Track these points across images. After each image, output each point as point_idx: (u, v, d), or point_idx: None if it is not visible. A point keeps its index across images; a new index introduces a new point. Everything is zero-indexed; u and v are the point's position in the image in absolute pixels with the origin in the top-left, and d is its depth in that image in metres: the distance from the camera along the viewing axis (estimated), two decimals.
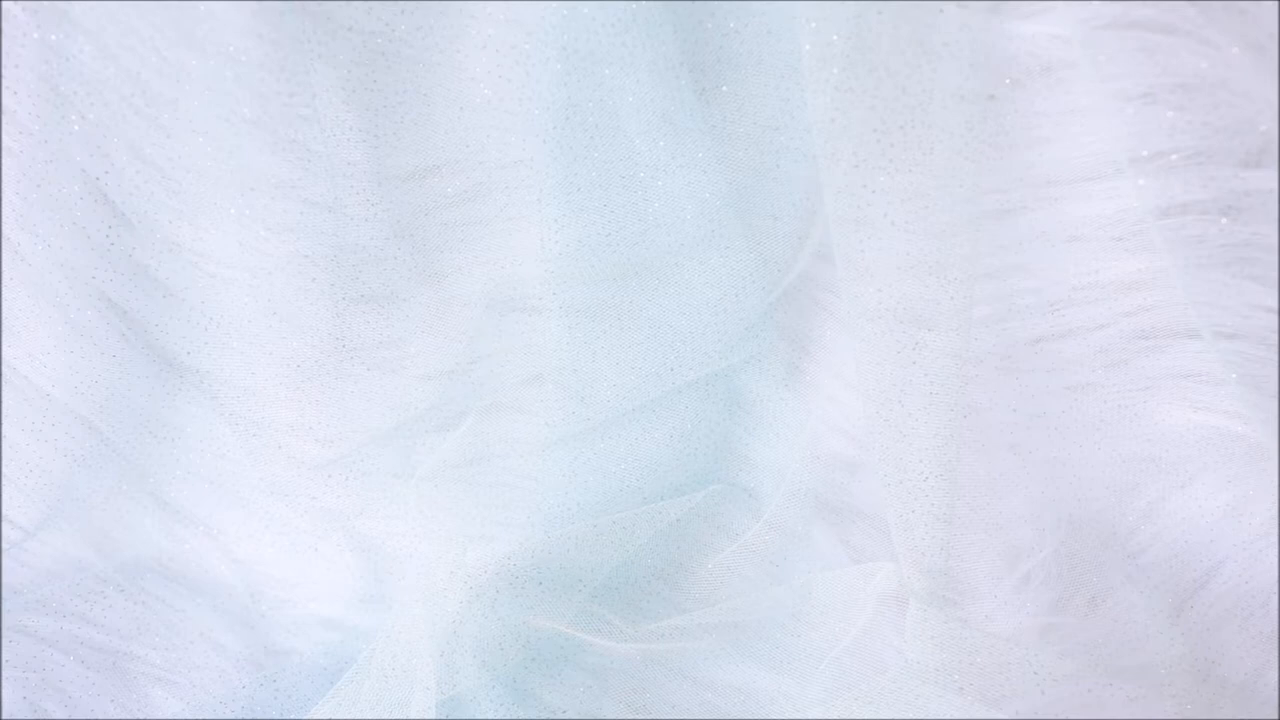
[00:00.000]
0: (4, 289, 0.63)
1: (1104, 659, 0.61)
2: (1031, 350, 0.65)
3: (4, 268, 0.62)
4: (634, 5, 0.58)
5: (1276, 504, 0.63)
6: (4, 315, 0.63)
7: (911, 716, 0.59)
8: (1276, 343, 0.58)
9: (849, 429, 0.69)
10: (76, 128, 0.60)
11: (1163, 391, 0.64)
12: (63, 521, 0.67)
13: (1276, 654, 0.61)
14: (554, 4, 0.58)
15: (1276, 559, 0.62)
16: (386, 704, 0.60)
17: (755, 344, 0.68)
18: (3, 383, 0.65)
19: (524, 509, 0.69)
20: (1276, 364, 0.58)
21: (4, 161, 0.60)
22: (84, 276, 0.63)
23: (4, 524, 0.67)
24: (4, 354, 0.64)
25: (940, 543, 0.62)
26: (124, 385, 0.66)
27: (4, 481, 0.66)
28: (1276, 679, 0.61)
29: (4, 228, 0.61)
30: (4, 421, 0.65)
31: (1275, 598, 0.62)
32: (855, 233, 0.58)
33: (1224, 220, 0.57)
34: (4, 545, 0.67)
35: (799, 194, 0.65)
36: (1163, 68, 0.55)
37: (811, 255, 0.67)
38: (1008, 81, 0.58)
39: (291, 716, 0.64)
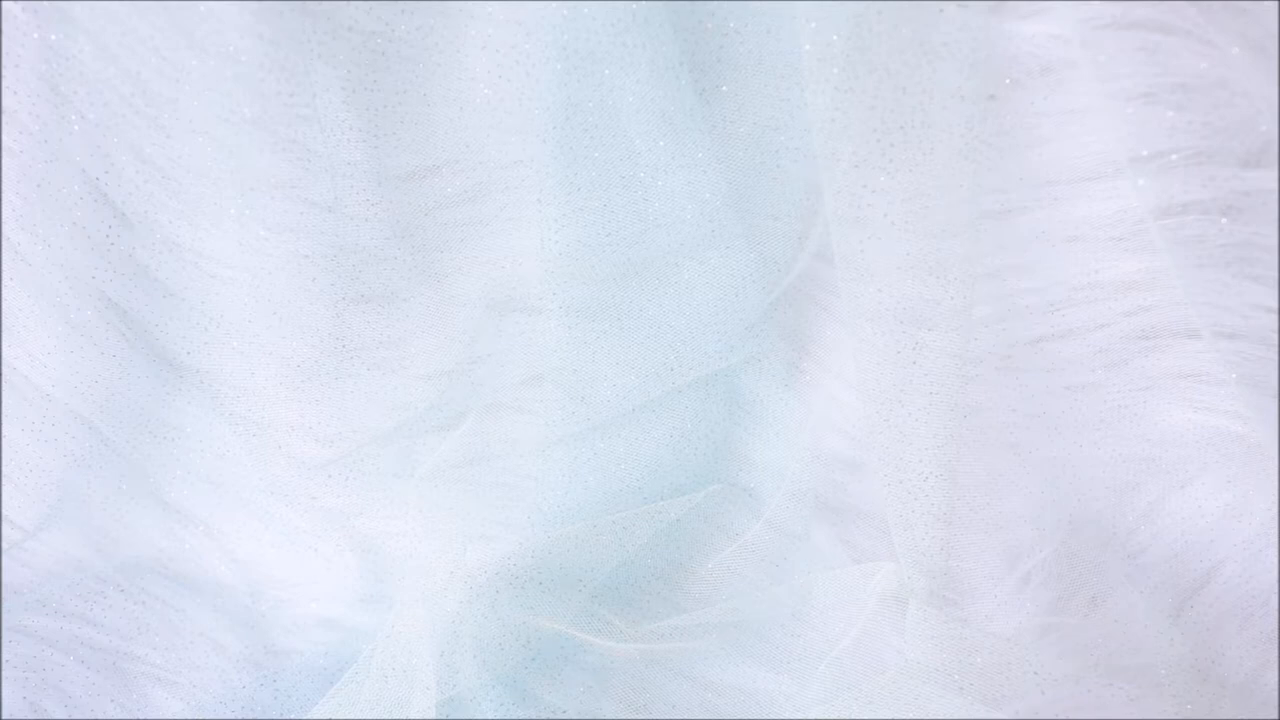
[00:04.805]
0: (4, 289, 0.63)
1: (1104, 659, 0.61)
2: (1031, 350, 0.65)
3: (4, 268, 0.62)
4: (634, 5, 0.58)
5: (1276, 504, 0.63)
6: (4, 315, 0.63)
7: (911, 716, 0.59)
8: (1276, 343, 0.58)
9: (849, 429, 0.69)
10: (76, 128, 0.60)
11: (1163, 391, 0.64)
12: (63, 521, 0.67)
13: (1276, 654, 0.61)
14: (554, 4, 0.58)
15: (1276, 559, 0.62)
16: (386, 704, 0.60)
17: (755, 344, 0.68)
18: (3, 383, 0.65)
19: (524, 509, 0.69)
20: (1276, 364, 0.58)
21: (4, 161, 0.60)
22: (84, 276, 0.63)
23: (4, 524, 0.67)
24: (4, 354, 0.64)
25: (940, 543, 0.62)
26: (124, 385, 0.66)
27: (4, 481, 0.66)
28: (1276, 679, 0.61)
29: (4, 228, 0.61)
30: (4, 421, 0.65)
31: (1275, 598, 0.62)
32: (855, 233, 0.58)
33: (1224, 220, 0.57)
34: (4, 545, 0.67)
35: (799, 194, 0.65)
36: (1163, 68, 0.55)
37: (811, 255, 0.67)
38: (1008, 81, 0.58)
39: (291, 716, 0.64)
